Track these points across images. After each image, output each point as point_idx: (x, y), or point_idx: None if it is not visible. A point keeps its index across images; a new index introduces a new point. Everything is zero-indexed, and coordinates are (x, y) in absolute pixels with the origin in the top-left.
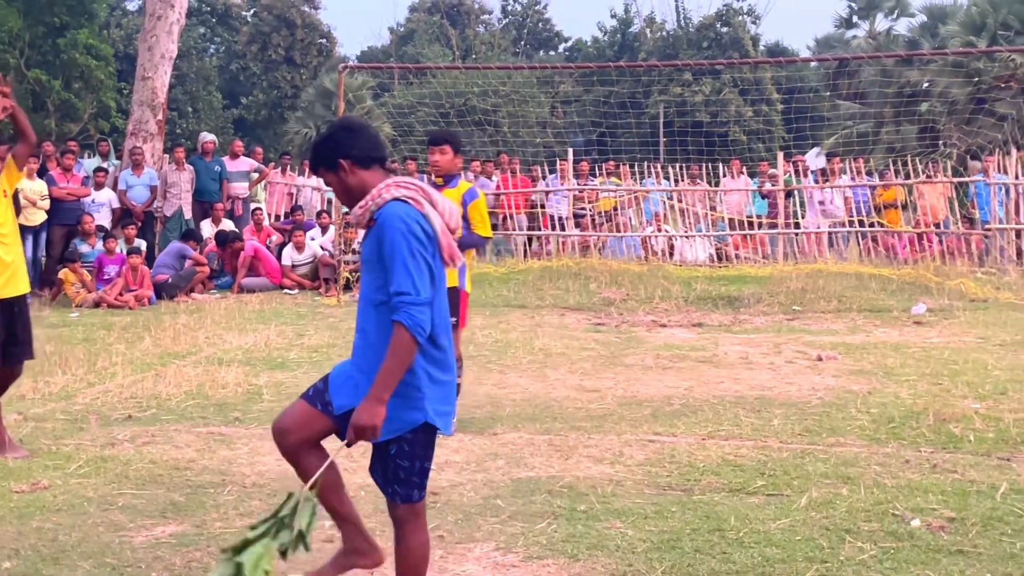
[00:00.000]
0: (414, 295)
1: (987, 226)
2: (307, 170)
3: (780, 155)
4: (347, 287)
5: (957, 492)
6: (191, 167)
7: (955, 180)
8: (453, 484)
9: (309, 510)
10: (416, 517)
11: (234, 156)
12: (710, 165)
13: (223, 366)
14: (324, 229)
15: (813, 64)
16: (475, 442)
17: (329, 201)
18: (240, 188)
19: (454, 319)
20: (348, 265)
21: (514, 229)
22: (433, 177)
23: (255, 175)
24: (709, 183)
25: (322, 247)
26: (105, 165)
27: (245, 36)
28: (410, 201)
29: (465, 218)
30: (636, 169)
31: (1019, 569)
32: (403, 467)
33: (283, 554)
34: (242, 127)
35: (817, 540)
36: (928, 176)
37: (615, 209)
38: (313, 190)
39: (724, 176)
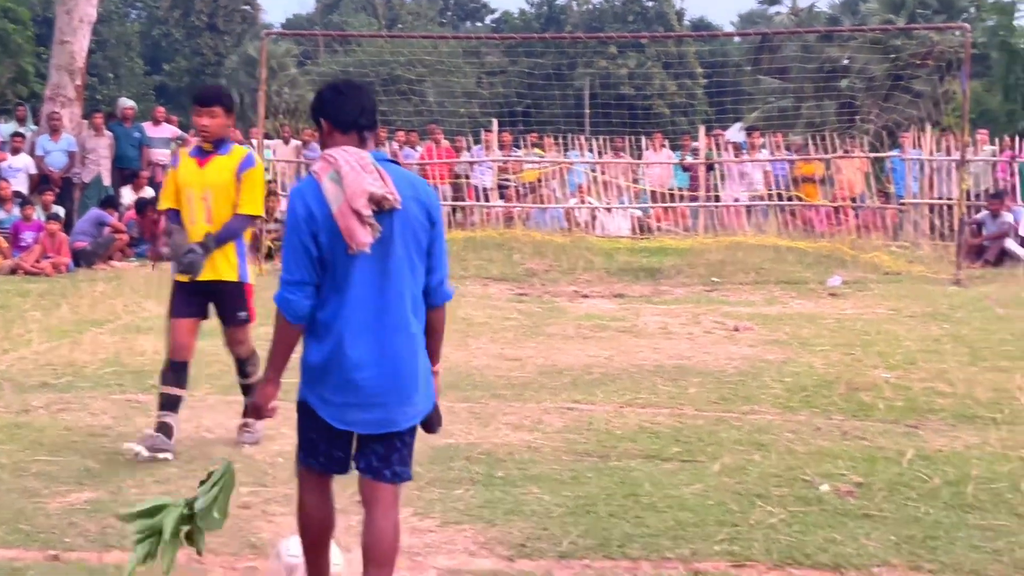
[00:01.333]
0: (285, 274)
1: (902, 201)
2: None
3: (702, 129)
4: (268, 256)
5: (865, 458)
6: (110, 133)
7: (872, 155)
8: None
9: (212, 485)
10: (299, 482)
11: (156, 122)
12: (634, 138)
13: (141, 334)
14: None
15: (736, 39)
16: None
17: None
18: (162, 154)
19: (243, 314)
20: (271, 234)
21: (438, 199)
22: (201, 144)
23: (177, 142)
24: (632, 156)
25: None
26: (22, 130)
27: (167, 1)
28: (316, 175)
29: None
30: (560, 141)
31: (922, 532)
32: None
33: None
34: (164, 94)
35: (728, 504)
36: (845, 151)
37: (539, 181)
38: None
39: (647, 149)
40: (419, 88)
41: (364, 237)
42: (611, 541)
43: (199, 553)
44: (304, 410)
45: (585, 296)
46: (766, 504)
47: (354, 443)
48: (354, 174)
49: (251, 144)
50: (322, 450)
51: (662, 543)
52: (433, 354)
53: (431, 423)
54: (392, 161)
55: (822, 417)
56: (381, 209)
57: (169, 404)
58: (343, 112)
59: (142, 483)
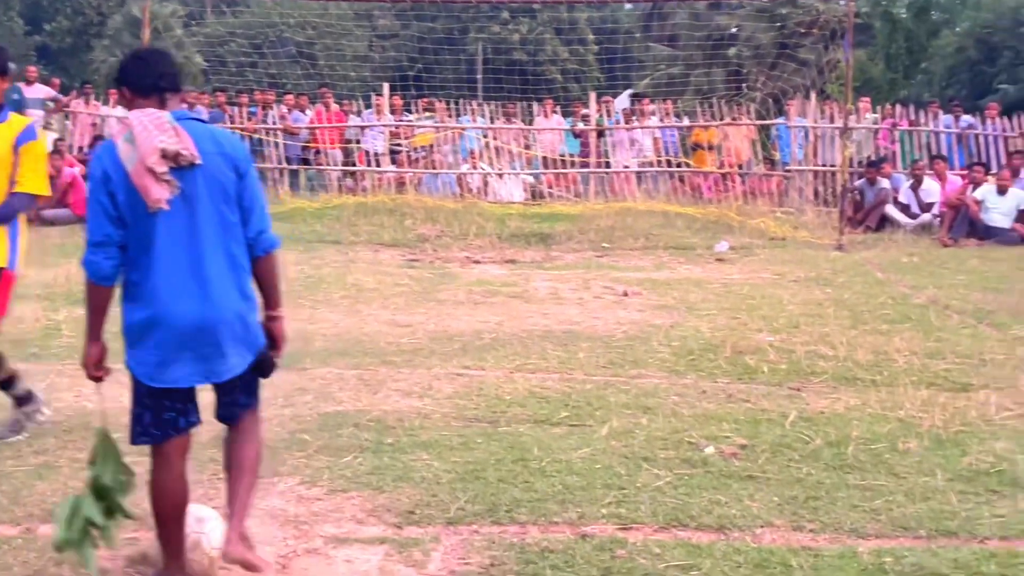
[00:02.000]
0: (88, 236)
1: (787, 168)
2: (111, 99)
3: (592, 95)
4: None
5: (749, 420)
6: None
7: (759, 123)
8: None
9: (103, 458)
10: (152, 457)
11: (29, 83)
12: (526, 104)
13: (21, 301)
14: None
15: (628, 6)
16: (283, 377)
17: None
18: (36, 116)
19: None
20: None
21: (328, 164)
22: None
23: (52, 103)
24: (524, 122)
25: None
26: None
27: None
28: (113, 138)
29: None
30: (453, 106)
31: (804, 492)
32: None
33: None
34: (45, 55)
35: (616, 468)
36: (733, 119)
37: (431, 146)
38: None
39: (538, 115)
40: (309, 51)
41: (160, 194)
42: (499, 506)
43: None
44: (132, 380)
45: (476, 262)
46: (652, 467)
47: (192, 396)
48: (146, 133)
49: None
50: (149, 420)
51: (550, 507)
52: (270, 301)
53: (263, 368)
54: (197, 119)
55: (708, 380)
56: (178, 165)
57: (6, 385)
58: (142, 77)
59: (19, 454)
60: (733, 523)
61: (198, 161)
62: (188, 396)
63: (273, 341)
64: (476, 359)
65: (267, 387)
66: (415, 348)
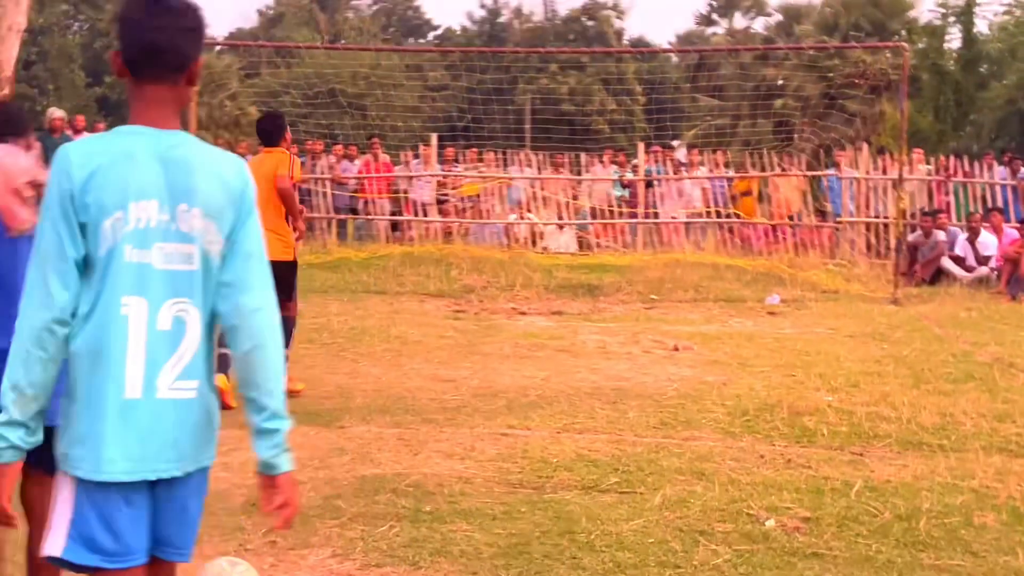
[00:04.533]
0: None
1: (838, 219)
2: None
3: (641, 146)
4: None
5: (812, 490)
6: (38, 144)
7: (809, 174)
8: None
9: None
10: None
11: (76, 131)
12: (574, 155)
13: None
14: None
15: (674, 59)
16: (321, 436)
17: None
18: None
19: None
20: None
21: (376, 214)
22: None
23: None
24: (572, 173)
25: None
26: None
27: (109, 14)
28: None
29: None
30: (501, 157)
31: (874, 573)
32: None
33: None
34: (106, 106)
35: (670, 543)
36: (783, 169)
37: (478, 196)
38: None
39: (593, 165)
40: (362, 102)
41: (25, 215)
42: None
43: None
44: None
45: (523, 313)
46: (710, 542)
47: None
48: (11, 156)
49: None
50: None
51: None
52: None
53: None
54: None
55: (765, 444)
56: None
57: None
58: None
59: None
60: None
61: None
62: None
63: None
64: (521, 418)
65: (304, 447)
66: (458, 405)
